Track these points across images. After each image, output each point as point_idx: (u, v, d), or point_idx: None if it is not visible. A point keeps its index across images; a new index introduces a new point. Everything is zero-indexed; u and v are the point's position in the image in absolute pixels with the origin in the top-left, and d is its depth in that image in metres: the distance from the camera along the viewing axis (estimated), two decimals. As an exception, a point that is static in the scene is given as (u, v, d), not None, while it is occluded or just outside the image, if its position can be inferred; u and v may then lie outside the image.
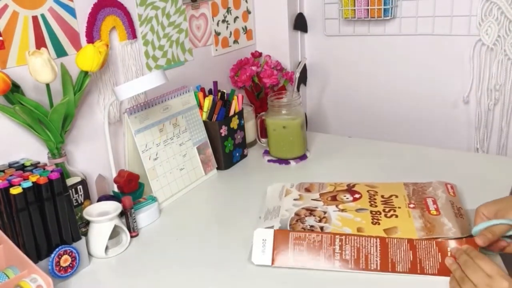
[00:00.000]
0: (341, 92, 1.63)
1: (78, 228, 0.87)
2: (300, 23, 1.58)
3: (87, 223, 0.93)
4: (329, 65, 1.62)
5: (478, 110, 1.38)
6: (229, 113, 1.26)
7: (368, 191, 0.99)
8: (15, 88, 0.89)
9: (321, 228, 0.87)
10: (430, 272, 0.77)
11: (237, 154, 1.29)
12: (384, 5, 1.39)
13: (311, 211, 0.93)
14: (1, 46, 0.89)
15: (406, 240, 0.81)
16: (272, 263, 0.82)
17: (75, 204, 0.94)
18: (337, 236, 0.83)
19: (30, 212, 0.78)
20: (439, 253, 0.78)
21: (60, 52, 0.99)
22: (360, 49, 1.54)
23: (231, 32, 1.48)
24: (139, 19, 1.15)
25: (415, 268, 0.78)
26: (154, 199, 1.05)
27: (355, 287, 0.77)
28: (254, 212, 1.02)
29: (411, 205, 0.92)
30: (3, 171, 0.85)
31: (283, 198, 1.01)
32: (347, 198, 0.97)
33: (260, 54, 1.55)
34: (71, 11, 1.00)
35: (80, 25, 1.02)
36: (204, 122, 1.23)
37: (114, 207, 0.93)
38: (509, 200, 0.80)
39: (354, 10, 1.44)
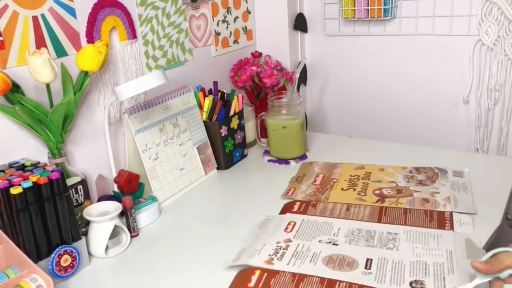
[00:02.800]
0: (341, 92, 1.63)
1: (78, 228, 0.87)
2: (300, 23, 1.58)
3: (87, 223, 0.93)
4: (329, 65, 1.62)
5: (478, 110, 1.38)
6: (229, 113, 1.26)
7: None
8: (15, 88, 0.89)
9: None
10: None
11: (237, 154, 1.29)
12: (384, 5, 1.39)
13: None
14: (1, 46, 0.89)
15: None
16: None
17: (75, 204, 0.94)
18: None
19: (30, 212, 0.78)
20: None
21: (60, 52, 0.99)
22: (360, 49, 1.54)
23: (231, 32, 1.48)
24: (139, 19, 1.15)
25: None
26: (154, 199, 1.05)
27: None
28: (254, 212, 1.02)
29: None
30: (3, 171, 0.85)
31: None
32: None
33: (260, 54, 1.55)
34: (71, 11, 1.00)
35: (80, 25, 1.02)
36: (204, 122, 1.23)
37: (114, 207, 0.93)
38: None
39: (354, 10, 1.44)
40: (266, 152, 1.33)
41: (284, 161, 1.27)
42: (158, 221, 1.03)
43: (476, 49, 1.33)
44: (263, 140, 1.36)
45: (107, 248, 0.91)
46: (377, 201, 1.01)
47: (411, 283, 0.75)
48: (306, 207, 1.02)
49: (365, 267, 0.80)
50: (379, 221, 0.94)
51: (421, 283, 0.75)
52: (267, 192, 1.12)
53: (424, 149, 1.27)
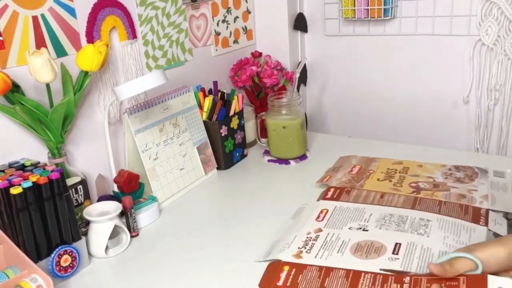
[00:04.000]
0: (341, 92, 1.63)
1: (78, 228, 0.87)
2: (300, 23, 1.58)
3: (87, 223, 0.93)
4: (329, 65, 1.62)
5: (478, 110, 1.38)
6: (229, 113, 1.26)
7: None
8: (15, 88, 0.89)
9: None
10: None
11: (237, 154, 1.29)
12: (384, 5, 1.39)
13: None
14: (1, 46, 0.89)
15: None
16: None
17: (75, 204, 0.94)
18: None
19: (30, 212, 0.78)
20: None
21: (60, 52, 0.99)
22: (360, 49, 1.54)
23: (231, 32, 1.48)
24: (139, 19, 1.15)
25: None
26: (154, 199, 1.05)
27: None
28: (254, 211, 1.02)
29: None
30: (3, 171, 0.85)
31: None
32: None
33: (260, 54, 1.55)
34: (71, 11, 1.00)
35: (80, 25, 1.02)
36: (204, 122, 1.23)
37: (114, 207, 0.93)
38: (485, 242, 0.73)
39: (354, 10, 1.44)
40: (266, 152, 1.33)
41: (284, 161, 1.27)
42: (158, 221, 1.03)
43: (476, 49, 1.33)
44: (263, 140, 1.36)
45: (107, 248, 0.91)
46: (412, 192, 1.01)
47: None
48: (340, 193, 1.03)
49: (393, 252, 0.79)
50: (413, 208, 0.93)
51: None
52: (267, 192, 1.12)
53: (424, 148, 1.27)
